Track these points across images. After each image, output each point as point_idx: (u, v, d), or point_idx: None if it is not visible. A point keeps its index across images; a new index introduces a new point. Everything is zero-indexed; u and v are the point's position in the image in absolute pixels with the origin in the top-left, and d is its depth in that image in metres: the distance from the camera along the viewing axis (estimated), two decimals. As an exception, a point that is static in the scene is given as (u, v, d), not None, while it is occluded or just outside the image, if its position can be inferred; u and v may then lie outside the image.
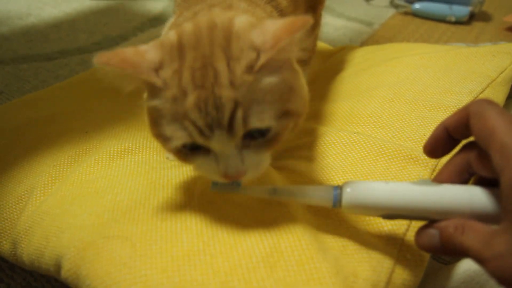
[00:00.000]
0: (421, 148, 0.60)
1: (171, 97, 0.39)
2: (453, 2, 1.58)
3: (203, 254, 0.44)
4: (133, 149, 0.65)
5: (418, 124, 0.64)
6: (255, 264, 0.43)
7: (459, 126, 0.40)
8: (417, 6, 1.62)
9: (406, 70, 0.79)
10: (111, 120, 0.75)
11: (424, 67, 0.79)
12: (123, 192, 0.54)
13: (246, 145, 0.42)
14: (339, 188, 0.43)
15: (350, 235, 0.49)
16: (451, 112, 0.66)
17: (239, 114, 0.38)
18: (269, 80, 0.39)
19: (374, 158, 0.59)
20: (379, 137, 0.63)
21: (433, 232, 0.39)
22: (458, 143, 0.42)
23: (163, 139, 0.42)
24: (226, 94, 0.38)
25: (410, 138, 0.62)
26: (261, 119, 0.39)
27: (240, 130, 0.39)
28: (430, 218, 0.40)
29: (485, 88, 0.72)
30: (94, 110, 0.80)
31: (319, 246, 0.46)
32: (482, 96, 0.70)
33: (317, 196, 0.44)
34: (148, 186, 0.55)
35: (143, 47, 0.41)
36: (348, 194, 0.42)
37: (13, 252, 0.56)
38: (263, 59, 0.38)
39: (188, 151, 0.42)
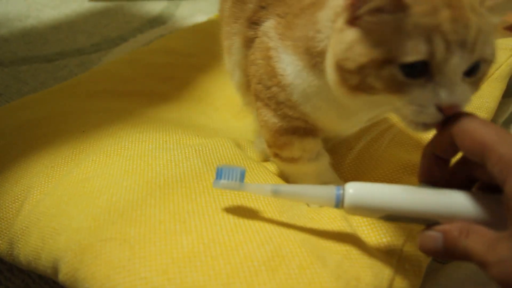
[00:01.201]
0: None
1: (422, 11, 0.37)
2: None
3: (204, 256, 0.43)
4: (130, 147, 0.64)
5: None
6: (257, 267, 0.43)
7: (446, 148, 0.40)
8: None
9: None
10: (108, 119, 0.75)
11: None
12: (119, 193, 0.53)
13: (463, 80, 0.40)
14: (342, 189, 0.42)
15: (353, 241, 0.49)
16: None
17: (481, 38, 0.38)
18: (492, 20, 0.40)
19: (374, 167, 0.60)
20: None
21: (436, 235, 0.38)
22: (449, 161, 0.42)
23: (385, 58, 0.39)
24: (473, 17, 0.37)
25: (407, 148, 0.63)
26: (490, 51, 0.40)
27: (477, 55, 0.38)
28: (432, 221, 0.39)
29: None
30: (92, 111, 0.79)
31: (320, 252, 0.46)
32: (477, 93, 0.70)
33: (319, 197, 0.44)
34: (145, 185, 0.54)
35: None
36: (351, 195, 0.41)
37: (9, 252, 0.55)
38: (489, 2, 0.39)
39: (405, 79, 0.39)
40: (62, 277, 0.45)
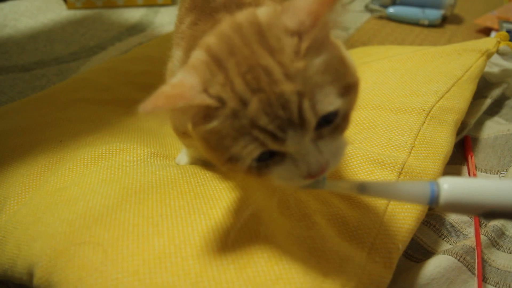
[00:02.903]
0: (387, 152, 0.62)
1: (231, 111, 0.36)
2: (425, 5, 1.62)
3: (174, 256, 0.45)
4: (107, 154, 0.65)
5: (384, 128, 0.66)
6: (226, 265, 0.44)
7: None
8: (391, 10, 1.66)
9: (374, 75, 0.81)
10: (86, 129, 0.76)
11: (392, 70, 0.81)
12: (95, 199, 0.54)
13: (319, 136, 0.38)
14: (436, 185, 0.40)
15: (322, 236, 0.50)
16: (417, 114, 0.68)
17: (306, 105, 0.35)
18: (320, 60, 0.36)
19: (343, 164, 0.61)
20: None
21: None
22: None
23: (233, 161, 0.38)
24: (287, 88, 0.34)
25: (376, 143, 0.64)
26: (329, 102, 0.36)
27: (312, 122, 0.36)
28: None
29: (451, 87, 0.74)
30: (69, 120, 0.80)
31: (289, 248, 0.47)
32: (448, 95, 0.72)
33: (412, 193, 0.40)
34: (121, 191, 0.55)
35: (174, 79, 0.38)
36: (447, 191, 0.39)
37: (-15, 262, 0.55)
38: (306, 41, 0.35)
39: (262, 165, 0.39)
40: (36, 281, 0.46)
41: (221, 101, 0.36)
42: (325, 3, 0.35)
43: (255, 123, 0.35)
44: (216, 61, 0.37)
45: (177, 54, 0.55)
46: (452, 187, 0.38)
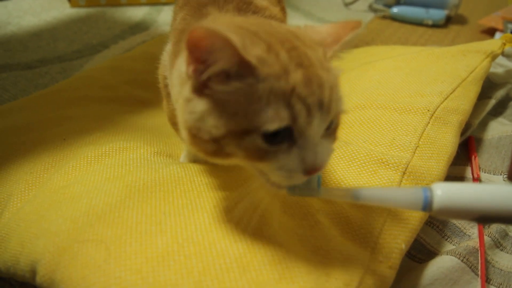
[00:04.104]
0: (391, 152, 0.61)
1: (273, 74, 0.36)
2: (430, 5, 1.62)
3: (178, 255, 0.45)
4: (110, 152, 0.66)
5: (389, 128, 0.66)
6: (229, 264, 0.44)
7: None
8: (395, 10, 1.65)
9: (378, 74, 0.81)
10: (90, 127, 0.76)
11: (396, 70, 0.81)
12: (99, 197, 0.54)
13: (323, 135, 0.40)
14: (429, 190, 0.40)
15: (325, 236, 0.50)
16: (421, 114, 0.67)
17: (334, 95, 0.38)
18: (334, 70, 0.40)
19: (347, 164, 0.61)
20: (351, 143, 0.65)
21: None
22: None
23: (245, 129, 0.37)
24: (323, 74, 0.38)
25: (380, 143, 0.64)
26: (341, 104, 0.40)
27: (333, 113, 0.39)
28: None
29: (456, 88, 0.74)
30: (72, 118, 0.80)
31: (292, 247, 0.47)
32: (452, 96, 0.72)
33: (405, 200, 0.41)
34: (124, 190, 0.55)
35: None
36: (440, 197, 0.39)
37: (-11, 260, 0.56)
38: (330, 52, 0.41)
39: (269, 148, 0.38)
40: (39, 279, 0.46)
41: (263, 62, 0.36)
42: (348, 28, 0.41)
43: (297, 91, 0.36)
44: (254, 33, 0.38)
45: (167, 47, 0.58)
46: (445, 193, 0.39)
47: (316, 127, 0.38)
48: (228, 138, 0.38)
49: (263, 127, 0.36)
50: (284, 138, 0.38)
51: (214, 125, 0.38)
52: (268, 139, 0.37)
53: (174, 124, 0.62)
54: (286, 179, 0.40)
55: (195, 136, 0.40)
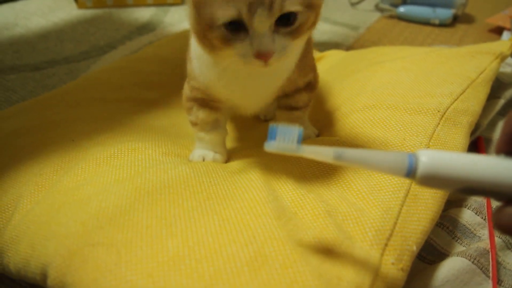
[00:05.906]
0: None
1: None
2: (436, 5, 1.61)
3: (188, 259, 0.45)
4: (119, 154, 0.66)
5: (399, 129, 0.65)
6: (240, 268, 0.44)
7: None
8: (401, 9, 1.65)
9: (387, 75, 0.80)
10: (98, 128, 0.76)
11: (406, 70, 0.80)
12: (108, 199, 0.54)
13: (277, 31, 0.49)
14: (414, 156, 0.38)
15: (335, 238, 0.50)
16: (432, 115, 0.67)
17: None
18: None
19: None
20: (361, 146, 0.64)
21: None
22: None
23: (210, 23, 0.48)
24: None
25: (391, 143, 0.63)
26: (294, 4, 0.47)
27: (277, 11, 0.47)
28: None
29: (466, 89, 0.73)
30: (81, 119, 0.80)
31: (303, 250, 0.47)
32: (462, 97, 0.72)
33: (389, 164, 0.38)
34: (133, 192, 0.55)
35: None
36: (425, 164, 0.37)
37: (-1, 262, 0.56)
38: None
39: (229, 36, 0.49)
40: (50, 282, 0.46)
41: None
42: None
43: None
44: None
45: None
46: (430, 159, 0.37)
47: (258, 21, 0.47)
48: (206, 31, 0.50)
49: (218, 21, 0.47)
50: (239, 29, 0.48)
51: (196, 23, 0.51)
52: (228, 28, 0.48)
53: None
54: (245, 63, 0.50)
55: (194, 34, 0.54)
